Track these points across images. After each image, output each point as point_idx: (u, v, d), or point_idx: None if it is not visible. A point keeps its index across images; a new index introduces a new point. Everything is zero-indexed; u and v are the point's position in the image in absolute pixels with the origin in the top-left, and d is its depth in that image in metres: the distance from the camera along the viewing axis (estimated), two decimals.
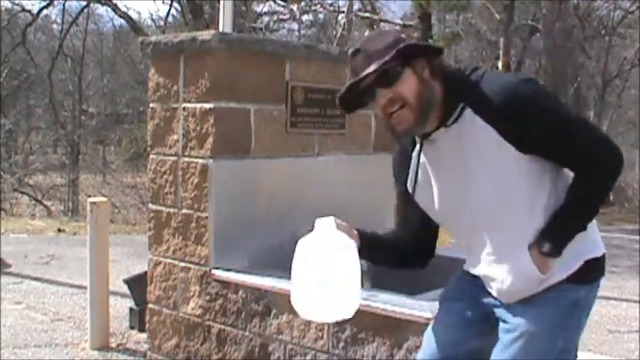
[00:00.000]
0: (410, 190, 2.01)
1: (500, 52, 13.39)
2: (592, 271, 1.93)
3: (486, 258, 1.93)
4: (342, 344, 2.84)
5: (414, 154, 1.97)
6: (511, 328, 1.91)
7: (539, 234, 1.85)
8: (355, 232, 2.05)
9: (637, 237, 10.21)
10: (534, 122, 1.77)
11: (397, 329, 2.66)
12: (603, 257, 1.96)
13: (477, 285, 2.01)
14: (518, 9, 17.06)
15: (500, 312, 1.96)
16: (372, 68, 1.77)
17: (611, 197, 16.70)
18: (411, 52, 1.80)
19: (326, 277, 1.89)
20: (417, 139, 1.94)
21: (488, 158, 1.80)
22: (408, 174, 2.01)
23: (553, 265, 1.85)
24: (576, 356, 2.07)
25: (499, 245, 1.89)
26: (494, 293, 1.95)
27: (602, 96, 18.22)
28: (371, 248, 2.07)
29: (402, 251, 2.15)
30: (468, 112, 1.81)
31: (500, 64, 13.14)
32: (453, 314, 2.06)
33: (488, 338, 1.99)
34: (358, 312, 2.76)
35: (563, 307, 1.91)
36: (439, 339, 2.06)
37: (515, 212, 1.85)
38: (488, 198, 1.84)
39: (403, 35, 1.86)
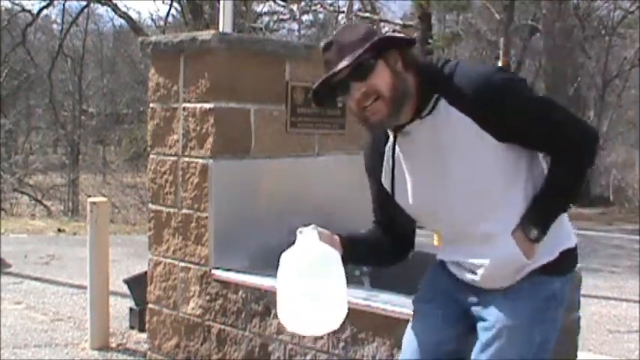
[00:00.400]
0: (385, 184, 2.01)
1: (500, 52, 13.39)
2: (566, 262, 1.95)
3: (466, 247, 1.92)
4: (342, 344, 2.84)
5: (387, 147, 1.97)
6: (489, 325, 1.90)
7: (522, 219, 1.85)
8: (337, 238, 2.04)
9: (637, 237, 10.21)
10: (512, 111, 1.78)
11: (397, 329, 2.66)
12: (576, 248, 1.98)
13: (453, 283, 2.01)
14: (518, 9, 17.07)
15: (477, 310, 1.96)
16: (345, 62, 1.77)
17: (611, 197, 16.73)
18: (383, 45, 1.79)
19: (311, 290, 1.89)
20: (390, 132, 1.93)
21: (465, 148, 1.80)
22: (381, 169, 2.01)
23: (538, 250, 1.86)
24: (576, 356, 2.07)
25: (479, 234, 1.88)
26: (474, 279, 1.92)
27: (602, 96, 18.22)
28: (353, 252, 2.07)
29: (381, 249, 2.16)
30: (443, 103, 1.81)
31: (500, 64, 13.13)
32: (431, 316, 2.05)
33: (467, 338, 2.00)
34: (358, 312, 2.78)
35: (539, 300, 1.91)
36: (419, 342, 2.05)
37: (493, 200, 1.85)
38: (466, 188, 1.84)
39: (375, 28, 1.86)
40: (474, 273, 1.93)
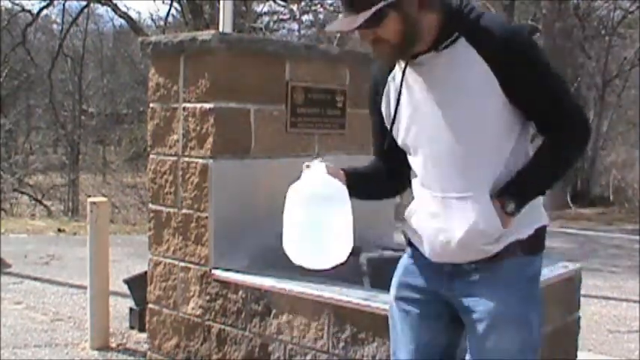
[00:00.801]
0: (385, 112, 2.02)
1: None
2: (541, 239, 1.96)
3: (445, 198, 1.89)
4: (342, 344, 2.84)
5: (391, 76, 1.98)
6: (480, 317, 1.89)
7: (502, 190, 1.85)
8: (342, 172, 2.06)
9: (637, 237, 10.21)
10: (528, 67, 1.81)
11: None
12: (546, 228, 1.99)
13: (429, 276, 1.99)
14: (518, 9, 17.08)
15: (463, 301, 1.93)
16: (360, 20, 1.76)
17: (611, 197, 16.72)
18: None
19: (317, 219, 1.89)
20: (402, 62, 1.92)
21: (473, 90, 1.81)
22: (382, 97, 2.02)
23: (512, 223, 1.86)
24: (576, 356, 2.08)
25: (461, 183, 1.87)
26: (447, 248, 1.90)
27: (602, 96, 18.21)
28: (357, 186, 2.06)
29: (380, 183, 2.16)
30: (463, 41, 1.81)
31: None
32: (415, 315, 2.03)
33: (455, 330, 2.00)
34: (358, 312, 2.78)
35: (525, 283, 1.92)
36: (408, 342, 2.04)
37: (479, 154, 1.86)
38: (461, 129, 1.84)
39: None
40: (449, 239, 1.89)
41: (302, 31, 18.94)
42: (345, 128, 3.83)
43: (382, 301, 2.74)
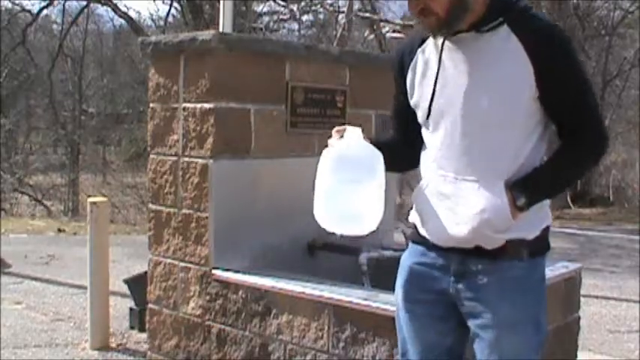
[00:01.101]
0: (409, 85, 2.00)
1: None
2: (546, 240, 1.97)
3: (458, 180, 1.89)
4: (342, 344, 2.84)
5: (421, 49, 1.97)
6: (489, 322, 1.89)
7: (514, 184, 1.85)
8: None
9: (637, 237, 10.20)
10: (567, 65, 1.84)
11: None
12: (549, 228, 2.00)
13: (437, 275, 1.97)
14: None
15: (470, 304, 1.92)
16: None
17: (611, 197, 16.73)
18: None
19: (352, 183, 1.87)
20: (441, 37, 1.91)
21: (508, 77, 1.82)
22: (407, 71, 2.01)
23: (520, 218, 1.86)
24: (576, 356, 2.08)
25: (477, 168, 1.87)
26: (457, 234, 1.89)
27: (602, 96, 18.20)
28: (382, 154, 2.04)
29: (399, 155, 2.14)
30: (505, 28, 1.83)
31: None
32: (421, 316, 2.02)
33: (462, 332, 1.99)
34: (358, 312, 2.78)
35: (533, 285, 1.94)
36: (416, 344, 2.03)
37: (504, 141, 1.86)
38: (491, 114, 1.84)
39: None
40: (458, 222, 1.88)
41: (302, 31, 18.96)
42: None
43: (382, 301, 2.74)
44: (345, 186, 1.87)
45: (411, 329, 2.04)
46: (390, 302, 2.72)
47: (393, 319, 2.65)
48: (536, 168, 1.88)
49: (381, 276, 3.38)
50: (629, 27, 17.24)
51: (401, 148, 2.11)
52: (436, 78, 1.91)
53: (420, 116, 1.98)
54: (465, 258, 1.92)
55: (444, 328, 2.01)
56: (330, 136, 1.97)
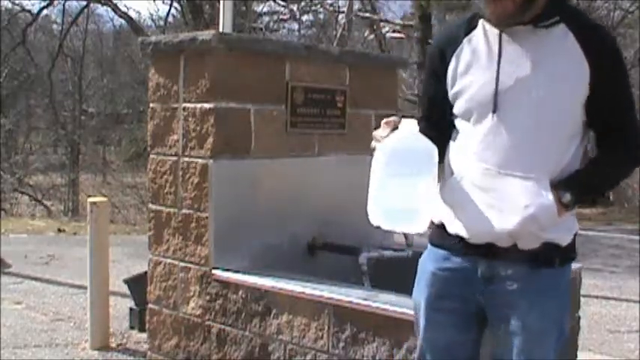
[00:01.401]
0: (451, 75, 1.95)
1: None
2: (575, 246, 1.97)
3: (501, 174, 1.85)
4: (342, 344, 2.84)
5: (467, 39, 1.94)
6: (518, 330, 1.88)
7: (562, 181, 1.85)
8: None
9: (637, 237, 10.20)
10: (620, 70, 1.87)
11: (397, 329, 2.66)
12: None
13: (463, 280, 1.93)
14: None
15: (499, 310, 1.91)
16: None
17: (611, 197, 16.72)
18: None
19: (409, 182, 1.81)
20: (496, 27, 1.88)
21: (564, 75, 1.82)
22: (450, 60, 1.96)
23: (566, 216, 1.86)
24: (576, 356, 2.08)
25: (526, 163, 1.84)
26: (495, 218, 1.85)
27: None
28: None
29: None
30: (562, 27, 1.84)
31: None
32: (443, 326, 1.99)
33: (478, 341, 1.99)
34: (358, 312, 2.78)
35: (561, 293, 1.94)
36: (437, 349, 2.01)
37: (554, 138, 1.85)
38: (544, 110, 1.82)
39: None
40: (499, 218, 1.84)
41: (302, 31, 18.95)
42: (345, 128, 3.83)
43: (382, 301, 2.74)
44: (400, 180, 1.82)
45: (432, 337, 2.01)
46: (390, 302, 2.72)
47: (393, 319, 2.66)
48: (579, 169, 1.88)
49: (381, 276, 3.39)
50: (629, 27, 17.24)
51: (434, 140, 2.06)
52: (498, 69, 1.86)
53: (461, 106, 1.94)
54: (493, 262, 1.89)
55: (464, 338, 1.99)
56: (376, 128, 1.92)
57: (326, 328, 2.89)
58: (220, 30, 4.15)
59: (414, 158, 1.82)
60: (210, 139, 3.29)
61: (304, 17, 18.36)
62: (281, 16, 18.45)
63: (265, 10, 18.53)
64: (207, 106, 3.31)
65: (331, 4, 16.81)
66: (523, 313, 1.88)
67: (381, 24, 17.40)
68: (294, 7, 16.44)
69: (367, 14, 16.75)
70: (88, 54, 23.69)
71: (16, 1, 19.28)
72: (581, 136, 1.90)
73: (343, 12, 15.41)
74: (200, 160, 3.34)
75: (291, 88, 3.54)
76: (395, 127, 1.87)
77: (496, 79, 1.86)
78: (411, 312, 2.61)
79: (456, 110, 1.96)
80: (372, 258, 3.47)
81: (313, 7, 17.42)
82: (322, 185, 3.70)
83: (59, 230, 10.25)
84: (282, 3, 17.03)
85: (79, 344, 4.42)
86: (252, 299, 3.16)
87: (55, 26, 23.04)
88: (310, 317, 2.94)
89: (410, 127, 1.86)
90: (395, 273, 3.42)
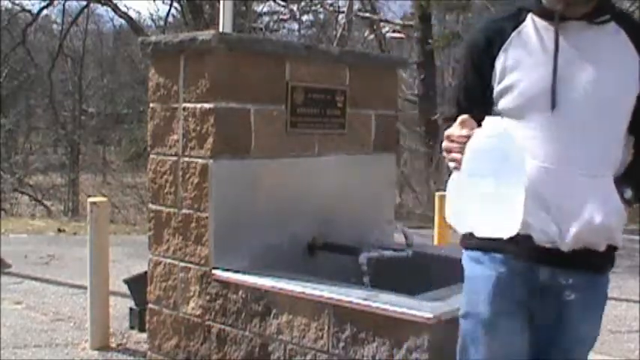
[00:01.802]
0: (499, 69, 1.87)
1: None
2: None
3: (560, 172, 1.77)
4: (342, 344, 2.84)
5: (517, 31, 1.87)
6: (566, 340, 1.88)
7: (618, 178, 1.83)
8: None
9: (637, 237, 10.19)
10: None
11: (397, 329, 2.66)
12: None
13: (521, 287, 1.86)
14: None
15: (550, 321, 1.87)
16: None
17: None
18: None
19: (496, 184, 1.71)
20: (549, 22, 1.84)
21: (621, 71, 1.81)
22: (497, 53, 1.88)
23: (627, 213, 1.85)
24: None
25: (592, 160, 1.78)
26: (560, 219, 1.78)
27: None
28: None
29: None
30: (613, 25, 1.83)
31: None
32: (503, 331, 1.88)
33: (529, 344, 1.94)
34: (358, 312, 2.78)
35: (604, 301, 1.94)
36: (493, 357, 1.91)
37: (615, 134, 1.83)
38: (604, 106, 1.79)
39: None
40: (570, 219, 1.77)
41: (302, 31, 18.95)
42: (345, 128, 3.83)
43: (382, 301, 2.74)
44: (488, 181, 1.71)
45: (489, 342, 1.90)
46: (390, 302, 2.72)
47: (393, 319, 2.66)
48: (631, 165, 1.86)
49: (381, 276, 3.39)
50: None
51: None
52: (555, 64, 1.80)
53: (510, 102, 1.86)
54: (555, 270, 1.84)
55: (520, 341, 1.90)
56: (447, 128, 1.84)
57: (326, 328, 2.89)
58: (220, 30, 4.15)
59: (502, 159, 1.72)
60: (210, 139, 3.29)
61: (304, 17, 18.36)
62: (281, 16, 18.44)
63: (265, 10, 18.53)
64: (207, 106, 3.31)
65: (331, 4, 16.82)
66: (574, 325, 1.86)
67: (381, 24, 17.40)
68: (294, 7, 16.44)
69: (367, 14, 16.75)
70: (88, 54, 23.67)
71: (16, 1, 19.29)
72: (626, 136, 1.87)
73: (343, 12, 15.41)
74: (200, 160, 3.34)
75: (291, 88, 3.54)
76: (472, 127, 1.78)
77: (553, 75, 1.80)
78: (411, 312, 2.61)
79: (502, 106, 1.88)
80: (372, 258, 3.47)
81: (313, 7, 17.42)
82: (322, 185, 3.70)
83: (59, 230, 10.25)
84: (282, 3, 17.03)
85: (79, 344, 4.42)
86: (252, 299, 3.16)
87: (55, 26, 23.05)
88: (310, 317, 2.94)
89: (495, 125, 1.76)
90: (395, 273, 3.43)
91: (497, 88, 1.88)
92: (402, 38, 18.05)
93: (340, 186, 3.76)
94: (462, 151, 1.76)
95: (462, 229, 1.83)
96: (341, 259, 3.56)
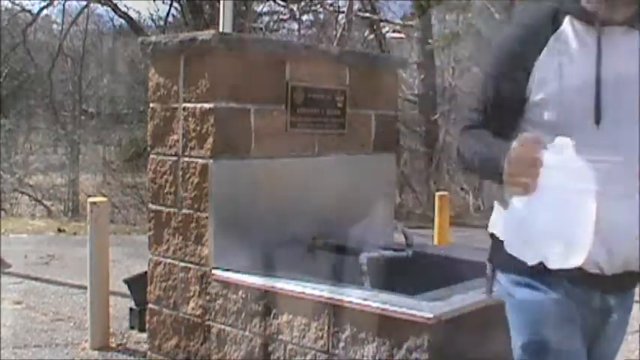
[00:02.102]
0: (538, 77, 1.72)
1: None
2: None
3: (616, 195, 1.65)
4: (342, 344, 2.84)
5: (555, 36, 1.73)
6: (601, 355, 1.93)
7: None
8: None
9: None
10: None
11: (397, 329, 2.66)
12: None
13: (578, 310, 1.78)
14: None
15: (593, 339, 1.86)
16: None
17: None
18: None
19: (571, 208, 1.61)
20: (593, 27, 1.71)
21: None
22: (538, 59, 1.73)
23: None
24: None
25: (634, 182, 1.67)
26: (611, 242, 1.68)
27: None
28: None
29: None
30: None
31: None
32: (566, 352, 1.79)
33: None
34: (358, 312, 2.78)
35: (630, 314, 1.94)
36: None
37: None
38: None
39: None
40: (619, 247, 1.69)
41: (302, 31, 18.94)
42: (345, 128, 3.83)
43: (382, 301, 2.74)
44: (559, 208, 1.62)
45: None
46: (390, 302, 2.72)
47: (393, 319, 2.66)
48: None
49: (381, 276, 3.39)
50: None
51: None
52: (598, 73, 1.68)
53: (547, 114, 1.72)
54: (604, 292, 1.78)
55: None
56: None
57: (326, 328, 2.89)
58: (220, 30, 4.15)
59: (574, 184, 1.61)
60: (210, 139, 3.29)
61: (304, 17, 18.35)
62: (281, 16, 18.44)
63: (265, 10, 18.52)
64: (207, 106, 3.31)
65: (331, 4, 16.82)
66: (611, 341, 1.89)
67: (381, 24, 17.38)
68: (294, 7, 16.44)
69: (367, 14, 16.73)
70: (88, 54, 23.66)
71: (16, 1, 19.35)
72: None
73: (343, 12, 15.41)
74: (200, 160, 3.34)
75: (291, 88, 3.54)
76: (539, 149, 1.60)
77: (596, 87, 1.67)
78: (411, 312, 2.61)
79: (537, 118, 1.74)
80: (372, 258, 3.47)
81: (313, 7, 17.42)
82: (322, 185, 3.70)
83: (59, 230, 10.25)
84: (282, 3, 17.03)
85: (79, 344, 4.42)
86: (252, 299, 3.16)
87: (55, 26, 23.05)
88: (310, 317, 2.94)
89: (565, 146, 1.61)
90: (395, 273, 3.43)
91: (532, 99, 1.74)
92: (402, 38, 18.05)
93: (340, 186, 3.76)
94: (532, 176, 1.58)
95: (532, 260, 1.69)
96: (341, 259, 3.56)
